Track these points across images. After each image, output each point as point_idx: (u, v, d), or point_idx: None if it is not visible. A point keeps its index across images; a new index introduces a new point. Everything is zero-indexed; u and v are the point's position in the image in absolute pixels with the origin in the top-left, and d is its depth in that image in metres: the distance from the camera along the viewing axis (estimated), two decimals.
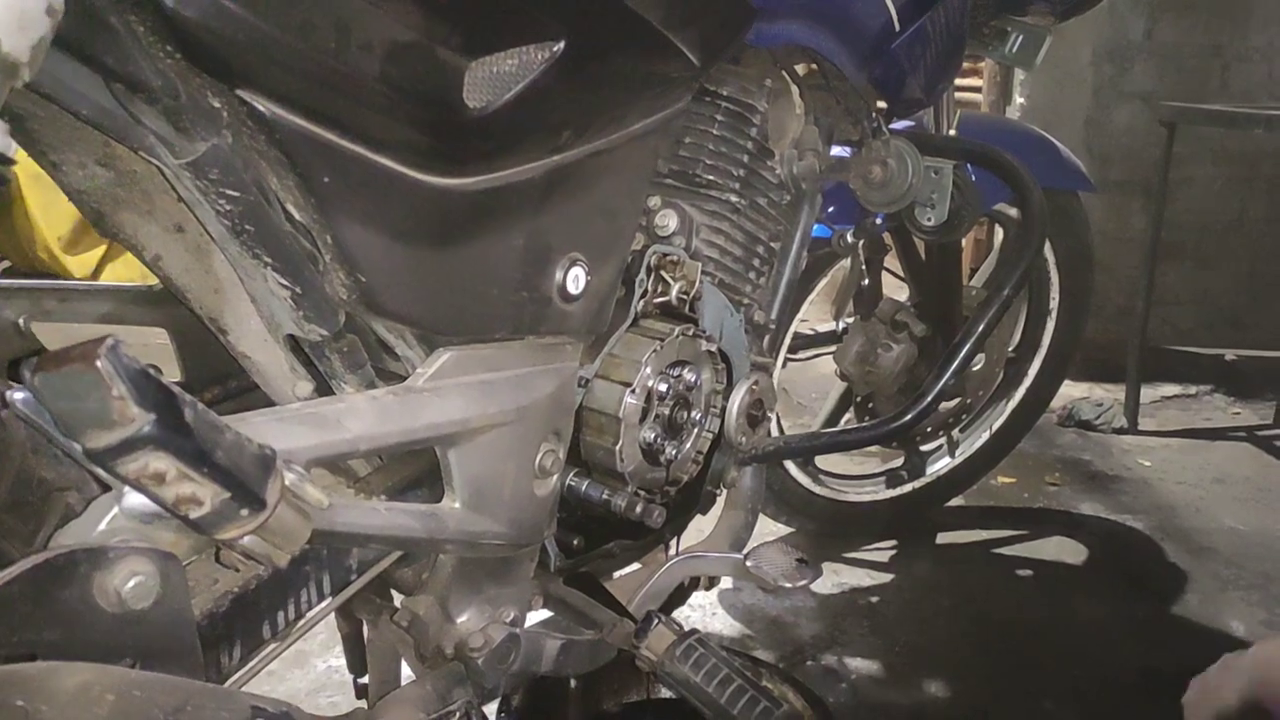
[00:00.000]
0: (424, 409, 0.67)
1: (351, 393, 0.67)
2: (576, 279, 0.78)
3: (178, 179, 0.58)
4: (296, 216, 0.59)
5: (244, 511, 0.47)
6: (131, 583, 0.47)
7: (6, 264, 3.58)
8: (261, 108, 0.54)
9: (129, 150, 0.61)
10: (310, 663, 1.45)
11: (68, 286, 0.85)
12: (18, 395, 0.45)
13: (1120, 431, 2.46)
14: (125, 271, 3.42)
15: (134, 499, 0.49)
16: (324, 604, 0.69)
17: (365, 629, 0.97)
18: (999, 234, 2.05)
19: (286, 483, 0.50)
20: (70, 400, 0.42)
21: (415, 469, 0.76)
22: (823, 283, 1.61)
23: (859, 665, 1.51)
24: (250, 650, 0.64)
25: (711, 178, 1.00)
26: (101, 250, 3.44)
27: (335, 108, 0.56)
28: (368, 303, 0.63)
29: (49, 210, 3.24)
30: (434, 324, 0.69)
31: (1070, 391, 2.54)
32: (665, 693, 1.17)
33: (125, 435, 0.42)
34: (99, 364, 0.41)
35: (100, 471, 0.45)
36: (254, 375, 0.77)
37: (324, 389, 0.74)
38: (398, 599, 0.87)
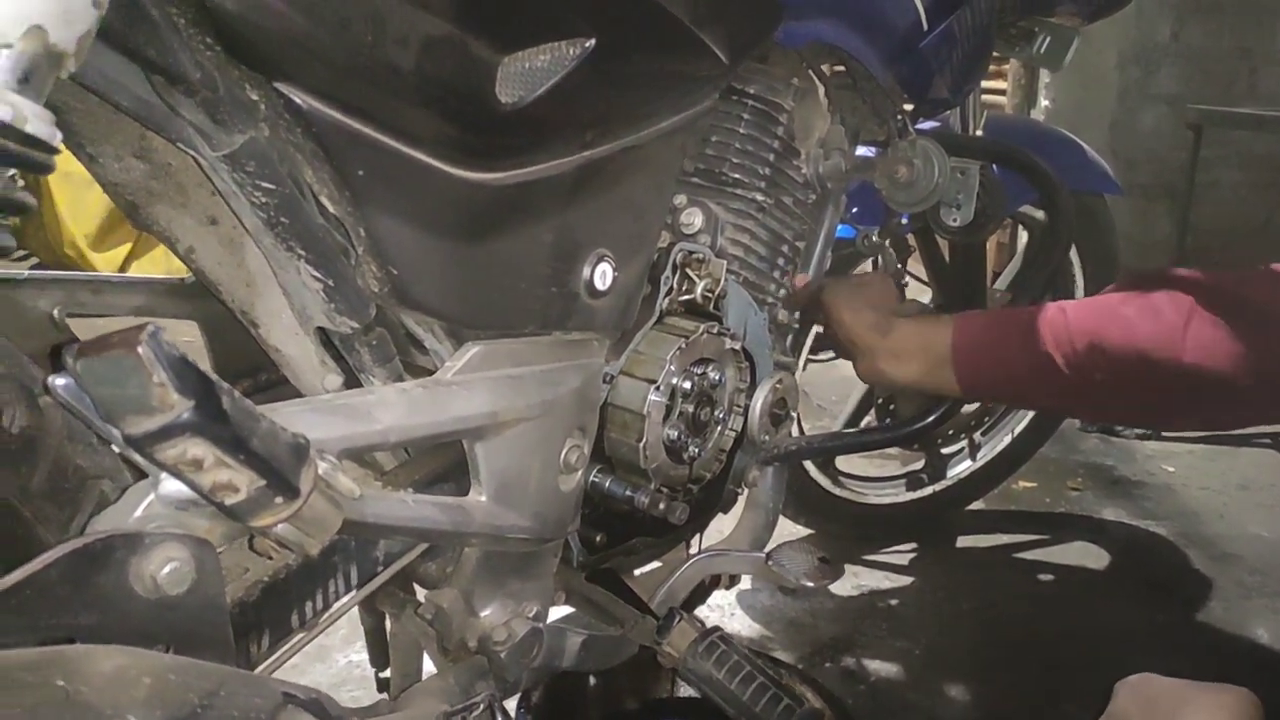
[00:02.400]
0: (452, 402, 0.68)
1: (381, 385, 0.68)
2: (604, 275, 0.78)
3: (214, 171, 0.58)
4: (330, 209, 0.60)
5: (278, 499, 0.48)
6: (167, 569, 0.48)
7: (34, 260, 3.62)
8: (298, 100, 0.55)
9: (165, 142, 0.62)
10: (332, 657, 1.46)
11: (101, 279, 0.86)
12: (59, 381, 0.46)
13: (1144, 437, 2.44)
14: (151, 268, 3.46)
15: (169, 486, 0.50)
16: (351, 595, 0.70)
17: (388, 623, 0.97)
18: (1023, 237, 2.04)
19: (319, 472, 0.51)
20: (111, 386, 0.42)
21: (442, 462, 0.76)
22: None
23: (878, 668, 1.50)
24: (278, 639, 0.64)
25: (737, 176, 1.00)
26: (128, 247, 3.48)
27: (371, 101, 0.57)
28: (399, 295, 0.64)
29: (76, 207, 3.28)
30: (463, 318, 0.69)
31: None
32: (686, 691, 1.18)
33: (165, 421, 0.43)
34: (140, 350, 0.42)
35: (138, 458, 0.46)
36: (284, 368, 0.78)
37: (353, 382, 0.74)
38: (420, 594, 0.87)
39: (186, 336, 0.89)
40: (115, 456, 0.57)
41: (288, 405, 0.58)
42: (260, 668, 0.64)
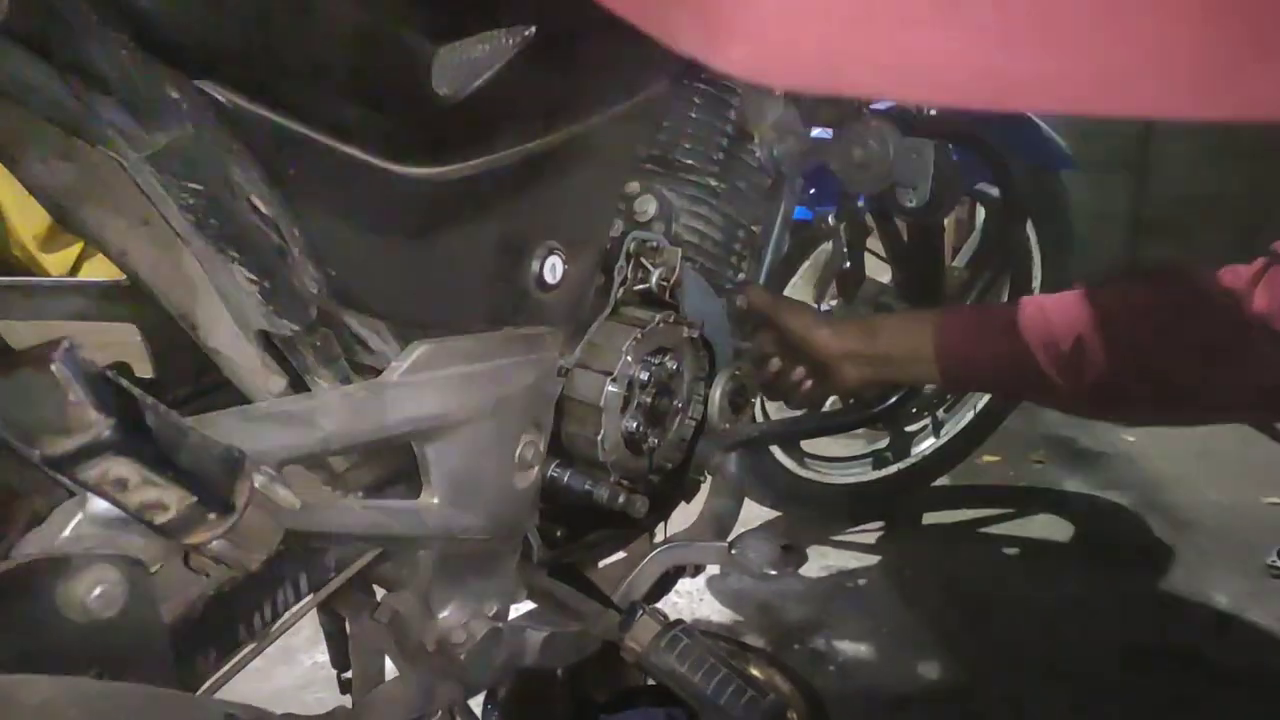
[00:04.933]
0: (399, 404, 0.66)
1: (324, 389, 0.66)
2: (554, 268, 0.77)
3: (138, 173, 0.56)
4: (262, 209, 0.57)
5: (211, 515, 0.46)
6: (96, 591, 0.46)
7: None
8: (222, 98, 0.52)
9: (91, 145, 0.59)
10: (297, 659, 1.44)
11: (33, 284, 0.83)
12: None
13: None
14: (104, 268, 3.37)
15: (98, 505, 0.48)
16: (302, 603, 0.68)
17: (349, 625, 0.96)
18: (982, 214, 2.05)
19: (256, 484, 0.49)
20: (24, 406, 0.40)
21: (395, 464, 0.75)
22: (805, 266, 1.60)
23: (847, 647, 1.51)
24: (227, 653, 0.63)
25: (690, 162, 0.99)
26: (79, 247, 3.39)
27: (298, 96, 0.55)
28: (338, 296, 0.62)
29: (24, 207, 3.19)
30: (407, 317, 0.68)
31: None
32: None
33: (83, 441, 0.41)
34: (53, 368, 0.40)
35: (60, 478, 0.44)
36: (226, 372, 0.76)
37: (298, 384, 0.72)
38: (380, 595, 0.86)
39: (134, 339, 0.87)
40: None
41: (222, 415, 0.56)
42: (209, 683, 0.63)
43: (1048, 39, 0.29)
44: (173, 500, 0.44)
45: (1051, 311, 0.93)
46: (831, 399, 1.77)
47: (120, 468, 0.42)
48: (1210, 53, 0.28)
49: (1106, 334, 0.88)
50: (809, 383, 1.12)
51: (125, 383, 0.43)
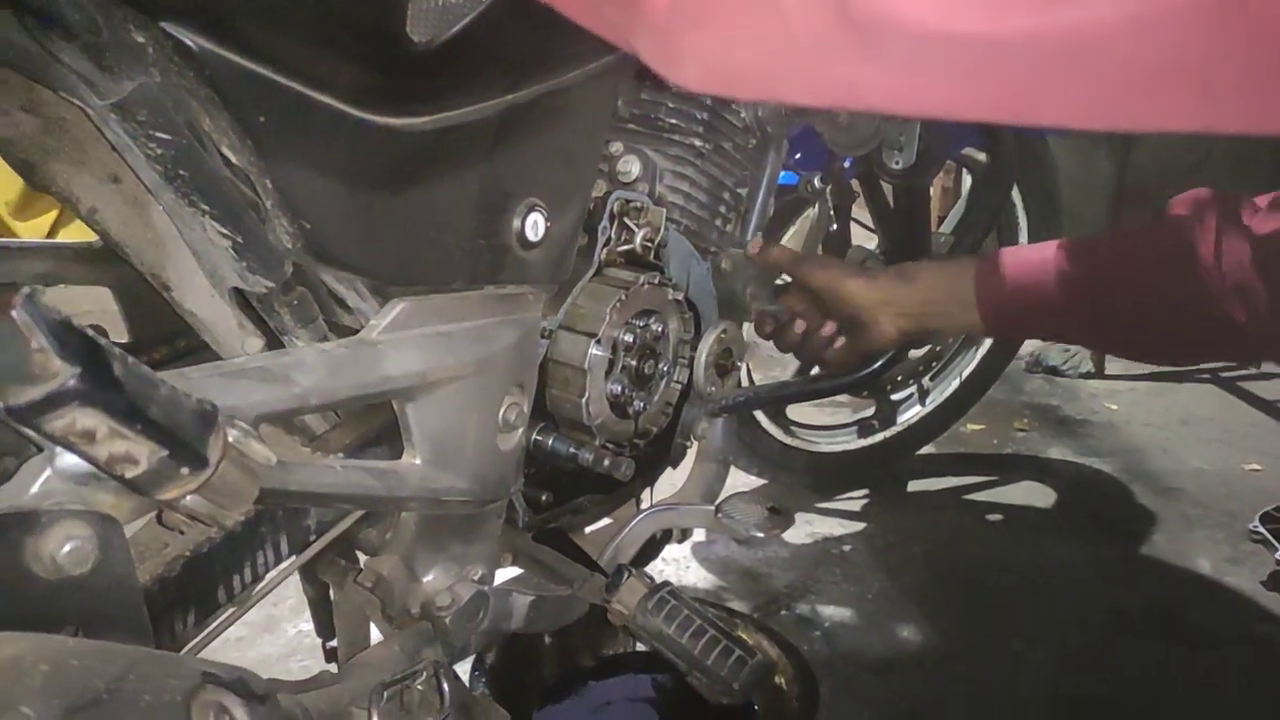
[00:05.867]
0: (378, 362, 0.65)
1: (302, 346, 0.65)
2: (535, 225, 0.75)
3: (104, 122, 0.54)
4: (233, 160, 0.56)
5: (184, 470, 0.45)
6: (67, 547, 0.45)
7: None
8: (189, 42, 0.51)
9: (55, 94, 0.57)
10: (280, 627, 1.43)
11: (3, 244, 0.81)
12: None
13: (1087, 376, 2.48)
14: (81, 235, 3.32)
15: (68, 459, 0.46)
16: (282, 566, 0.67)
17: (332, 592, 0.95)
18: (967, 180, 2.04)
19: (230, 439, 0.48)
20: None
21: (375, 425, 0.73)
22: (791, 231, 1.59)
23: (832, 613, 1.52)
24: (205, 615, 0.62)
25: (674, 121, 0.97)
26: (53, 215, 3.34)
27: (270, 41, 0.53)
28: (314, 251, 0.61)
29: None
30: (386, 273, 0.66)
31: None
32: (643, 645, 1.17)
33: (48, 390, 0.39)
34: (15, 314, 0.38)
35: (27, 431, 0.42)
36: (202, 333, 0.74)
37: (275, 345, 0.71)
38: (363, 560, 0.85)
39: (99, 304, 0.85)
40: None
41: (196, 370, 0.55)
42: (188, 646, 0.62)
43: (946, 69, 0.38)
44: (143, 453, 0.43)
45: (1095, 252, 0.91)
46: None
47: (87, 418, 0.41)
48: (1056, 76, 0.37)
49: (1154, 276, 0.85)
50: (841, 339, 1.09)
51: (91, 331, 0.41)
